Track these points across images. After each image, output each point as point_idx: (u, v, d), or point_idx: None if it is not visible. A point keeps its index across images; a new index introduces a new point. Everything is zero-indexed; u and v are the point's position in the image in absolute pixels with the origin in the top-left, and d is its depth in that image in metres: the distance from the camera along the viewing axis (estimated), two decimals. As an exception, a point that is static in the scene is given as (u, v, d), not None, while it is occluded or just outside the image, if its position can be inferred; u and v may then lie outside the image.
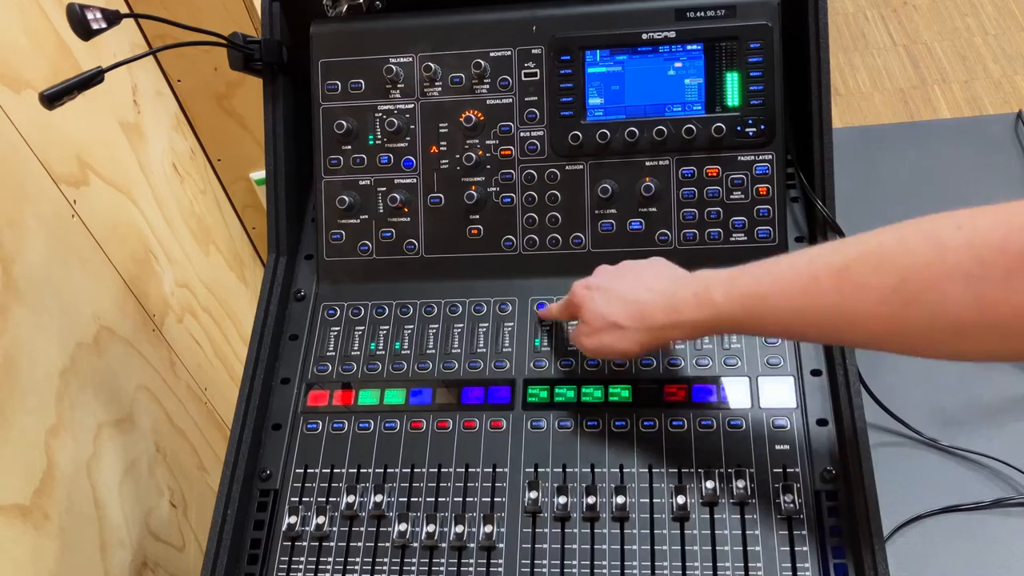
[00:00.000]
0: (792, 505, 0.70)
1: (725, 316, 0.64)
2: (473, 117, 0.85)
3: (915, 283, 0.53)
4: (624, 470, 0.74)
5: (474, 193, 0.85)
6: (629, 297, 0.70)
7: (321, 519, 0.76)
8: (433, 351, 0.83)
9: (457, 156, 0.86)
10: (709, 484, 0.72)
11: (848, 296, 0.56)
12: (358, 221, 0.88)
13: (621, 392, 0.78)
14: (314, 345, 0.85)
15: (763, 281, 0.61)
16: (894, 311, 0.54)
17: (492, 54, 0.85)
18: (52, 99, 0.73)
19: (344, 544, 0.75)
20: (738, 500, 0.71)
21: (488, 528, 0.73)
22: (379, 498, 0.75)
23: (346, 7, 0.89)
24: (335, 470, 0.78)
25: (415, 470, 0.77)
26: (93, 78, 0.76)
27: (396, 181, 0.87)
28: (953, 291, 0.51)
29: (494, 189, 0.86)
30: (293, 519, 0.76)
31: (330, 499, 0.77)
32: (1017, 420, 0.91)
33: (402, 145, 0.87)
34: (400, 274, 0.87)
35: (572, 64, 0.84)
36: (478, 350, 0.82)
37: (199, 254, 1.43)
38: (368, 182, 0.88)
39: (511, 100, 0.85)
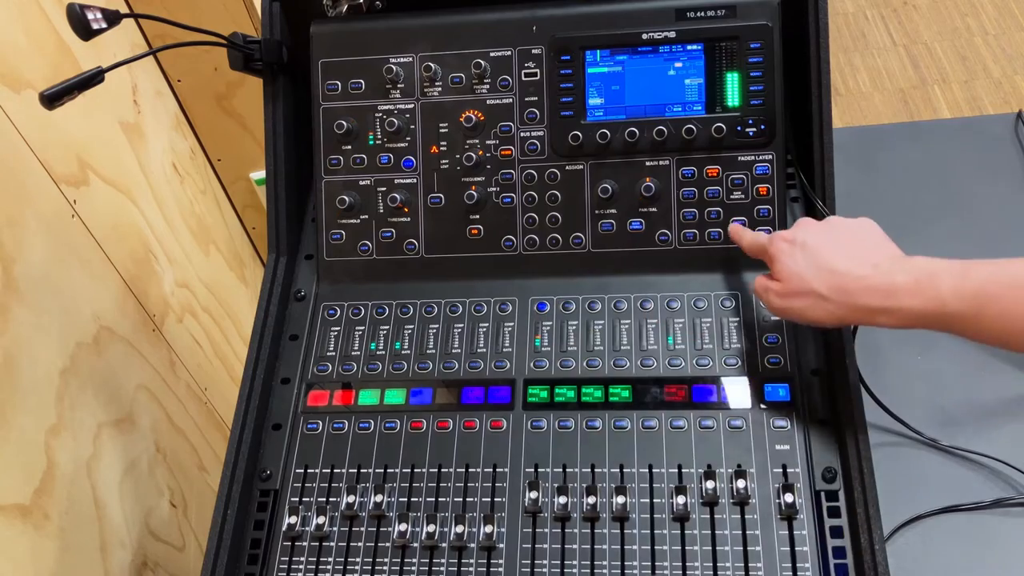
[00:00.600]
0: (792, 505, 0.70)
1: (950, 312, 0.60)
2: (473, 117, 0.85)
3: None
4: (624, 470, 0.74)
5: (474, 193, 0.85)
6: (838, 267, 0.65)
7: (321, 519, 0.75)
8: (433, 351, 0.83)
9: (457, 156, 0.86)
10: (709, 484, 0.72)
11: None
12: (358, 221, 0.88)
13: (621, 392, 0.78)
14: (314, 345, 0.85)
15: (999, 280, 0.58)
16: None
17: (492, 54, 0.85)
18: (52, 99, 0.73)
19: (344, 544, 0.75)
20: (738, 500, 0.71)
21: (488, 528, 0.73)
22: (379, 498, 0.75)
23: (346, 7, 0.89)
24: (335, 470, 0.78)
25: (415, 470, 0.77)
26: (93, 78, 0.76)
27: (396, 181, 0.87)
28: None
29: (494, 189, 0.86)
30: (293, 519, 0.76)
31: (330, 499, 0.77)
32: (1017, 420, 0.91)
33: (402, 145, 0.87)
34: (400, 274, 0.87)
35: (572, 64, 0.84)
36: (478, 350, 0.82)
37: (199, 254, 1.43)
38: (368, 182, 0.88)
39: (511, 100, 0.85)
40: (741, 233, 0.78)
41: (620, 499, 0.72)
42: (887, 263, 0.64)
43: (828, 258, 0.66)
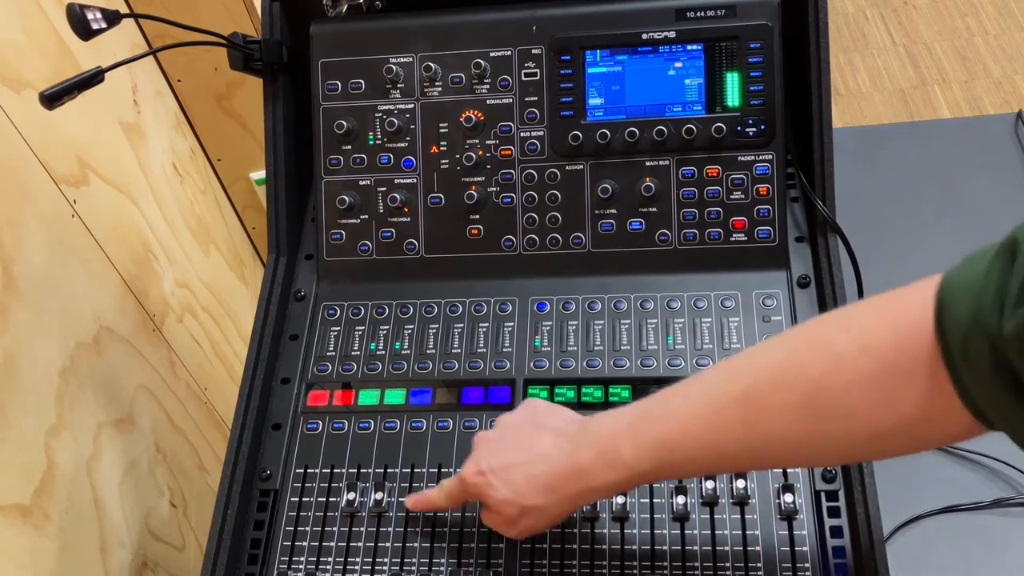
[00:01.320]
0: (792, 505, 0.70)
1: (638, 473, 0.59)
2: (473, 117, 0.85)
3: (821, 396, 0.51)
4: (624, 470, 0.74)
5: (474, 193, 0.85)
6: (531, 473, 0.63)
7: (321, 519, 0.75)
8: (433, 351, 0.83)
9: (457, 156, 0.86)
10: (709, 484, 0.72)
11: (757, 422, 0.53)
12: (358, 221, 0.88)
13: (621, 392, 0.78)
14: (314, 345, 0.85)
15: (666, 426, 0.57)
16: (807, 428, 0.52)
17: (492, 54, 0.85)
18: (52, 99, 0.73)
19: (344, 544, 0.75)
20: (738, 500, 0.71)
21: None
22: (379, 497, 0.75)
23: (346, 7, 0.89)
24: (335, 470, 0.78)
25: (415, 470, 0.77)
26: (93, 78, 0.76)
27: (396, 181, 0.87)
28: (860, 396, 0.50)
29: (494, 189, 0.86)
30: (293, 518, 0.76)
31: (330, 499, 0.77)
32: (1017, 420, 0.91)
33: (402, 145, 0.87)
34: (400, 274, 0.87)
35: (572, 64, 0.84)
36: (478, 350, 0.82)
37: (199, 254, 1.43)
38: (368, 182, 0.88)
39: (511, 100, 0.85)
40: (427, 497, 0.72)
41: (620, 499, 0.72)
42: (569, 442, 0.63)
43: (520, 468, 0.63)
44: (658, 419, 0.58)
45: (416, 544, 0.74)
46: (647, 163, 0.84)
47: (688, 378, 0.59)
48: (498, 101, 0.85)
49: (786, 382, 0.52)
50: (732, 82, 0.82)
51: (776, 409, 0.53)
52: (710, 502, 0.72)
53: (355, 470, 0.78)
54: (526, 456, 0.64)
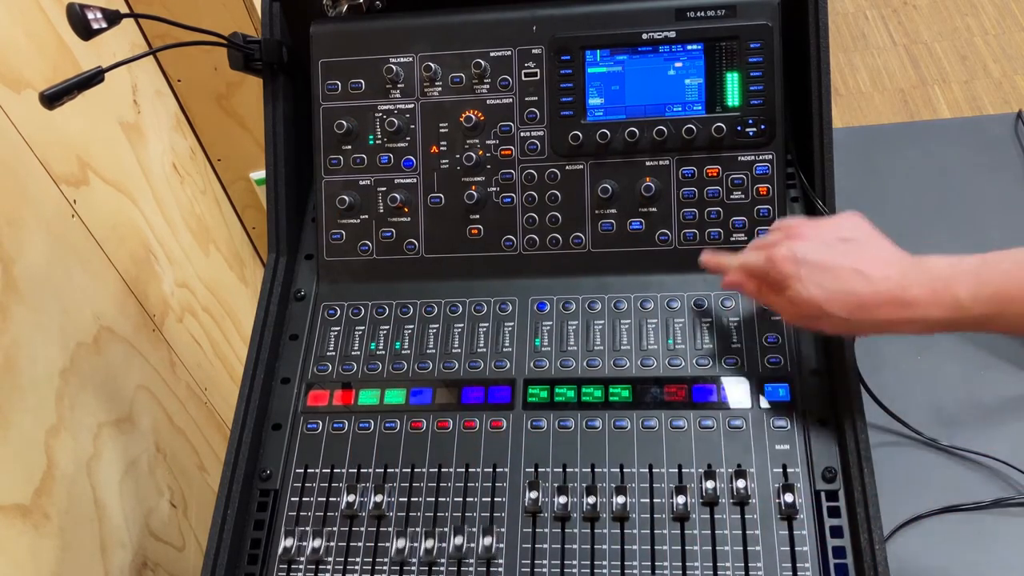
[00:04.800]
0: (792, 505, 0.70)
1: (970, 317, 0.60)
2: (473, 117, 0.85)
3: None
4: (624, 470, 0.74)
5: (474, 193, 0.85)
6: (848, 286, 0.64)
7: (321, 519, 0.75)
8: (433, 351, 0.83)
9: (457, 156, 0.86)
10: (709, 484, 0.72)
11: None
12: (358, 221, 0.88)
13: (621, 392, 0.78)
14: (314, 345, 0.85)
15: (1015, 278, 0.58)
16: None
17: (492, 54, 0.85)
18: (52, 99, 0.73)
19: (344, 544, 0.75)
20: (738, 500, 0.71)
21: (487, 539, 0.73)
22: (379, 498, 0.75)
23: (346, 7, 0.89)
24: (335, 470, 0.78)
25: (415, 470, 0.77)
26: (93, 78, 0.76)
27: (396, 181, 0.87)
28: None
29: (494, 189, 0.86)
30: (292, 519, 0.76)
31: (330, 499, 0.77)
32: (1017, 420, 0.91)
33: (402, 145, 0.87)
34: (400, 274, 0.87)
35: (572, 64, 0.84)
36: (478, 350, 0.82)
37: (199, 254, 1.43)
38: (368, 182, 0.88)
39: (511, 100, 0.85)
40: (721, 262, 0.73)
41: (620, 499, 0.72)
42: (898, 273, 0.63)
43: (838, 276, 0.64)
44: (1006, 271, 0.59)
45: (416, 544, 0.74)
46: (647, 163, 0.84)
47: None
48: (498, 101, 0.85)
49: None
50: (732, 82, 0.82)
51: None
52: (710, 502, 0.72)
53: (355, 470, 0.78)
54: (849, 268, 0.64)
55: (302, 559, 0.75)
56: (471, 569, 0.72)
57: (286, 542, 0.75)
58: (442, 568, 0.73)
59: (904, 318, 0.62)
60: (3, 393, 0.86)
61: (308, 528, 0.76)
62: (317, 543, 0.75)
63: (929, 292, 0.61)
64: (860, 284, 0.64)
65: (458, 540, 0.73)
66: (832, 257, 0.65)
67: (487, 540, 0.72)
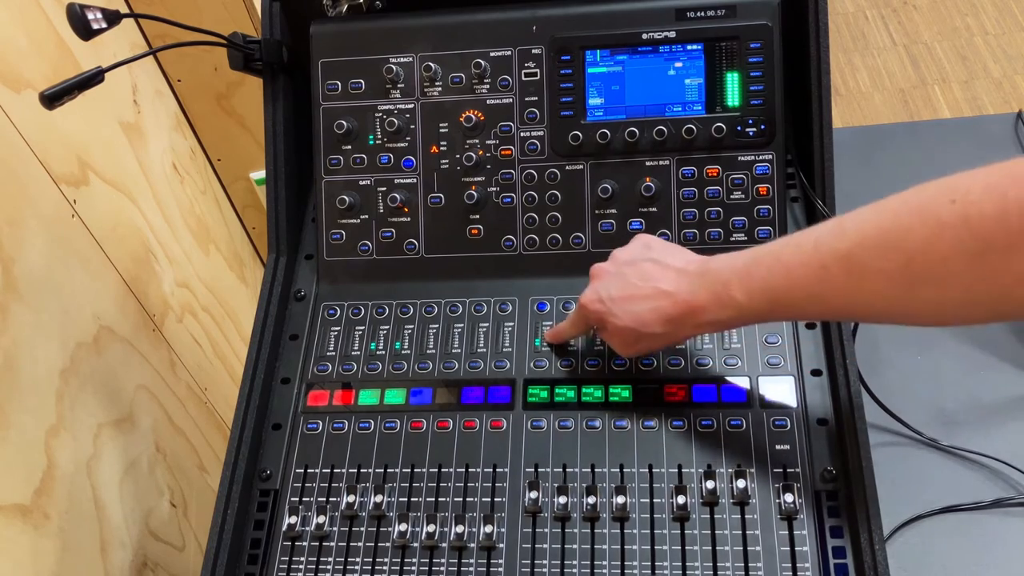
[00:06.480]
0: (792, 505, 0.70)
1: (748, 313, 0.65)
2: (473, 117, 0.85)
3: (920, 263, 0.53)
4: (624, 470, 0.74)
5: (474, 193, 0.85)
6: (652, 305, 0.69)
7: (321, 519, 0.75)
8: (433, 351, 0.83)
9: (457, 156, 0.86)
10: (709, 484, 0.72)
11: (859, 281, 0.57)
12: (358, 221, 0.88)
13: (621, 392, 0.78)
14: (314, 345, 0.85)
15: (777, 273, 0.62)
16: (903, 291, 0.55)
17: (492, 54, 0.85)
18: (52, 99, 0.73)
19: (344, 544, 0.75)
20: (738, 500, 0.71)
21: (488, 528, 0.73)
22: (379, 498, 0.75)
23: (346, 7, 0.89)
24: (335, 470, 0.78)
25: (415, 470, 0.77)
26: (93, 78, 0.76)
27: (396, 181, 0.87)
28: (957, 267, 0.51)
29: (494, 189, 0.86)
30: (293, 519, 0.76)
31: (330, 499, 0.77)
32: (1017, 420, 0.91)
33: (402, 145, 0.87)
34: (400, 274, 0.87)
35: (572, 64, 0.84)
36: (478, 350, 0.82)
37: (199, 254, 1.43)
38: (368, 182, 0.88)
39: (511, 100, 0.85)
40: (558, 330, 0.80)
41: (620, 499, 0.72)
42: (687, 281, 0.68)
43: (644, 299, 0.70)
44: (769, 266, 0.62)
45: (416, 544, 0.74)
46: (647, 163, 0.84)
47: (803, 230, 0.63)
48: (498, 101, 0.85)
49: (888, 248, 0.55)
50: (732, 82, 0.82)
51: (876, 273, 0.55)
52: (710, 502, 0.72)
53: (355, 470, 0.78)
54: (649, 290, 0.69)
55: (302, 559, 0.75)
56: (471, 569, 0.72)
57: (285, 542, 0.75)
58: (442, 568, 0.72)
59: (704, 321, 0.67)
60: (3, 393, 0.86)
61: (308, 528, 0.76)
62: (317, 543, 0.75)
63: (712, 296, 0.66)
64: (662, 301, 0.69)
65: (459, 528, 0.73)
66: (632, 284, 0.71)
67: (488, 528, 0.72)
